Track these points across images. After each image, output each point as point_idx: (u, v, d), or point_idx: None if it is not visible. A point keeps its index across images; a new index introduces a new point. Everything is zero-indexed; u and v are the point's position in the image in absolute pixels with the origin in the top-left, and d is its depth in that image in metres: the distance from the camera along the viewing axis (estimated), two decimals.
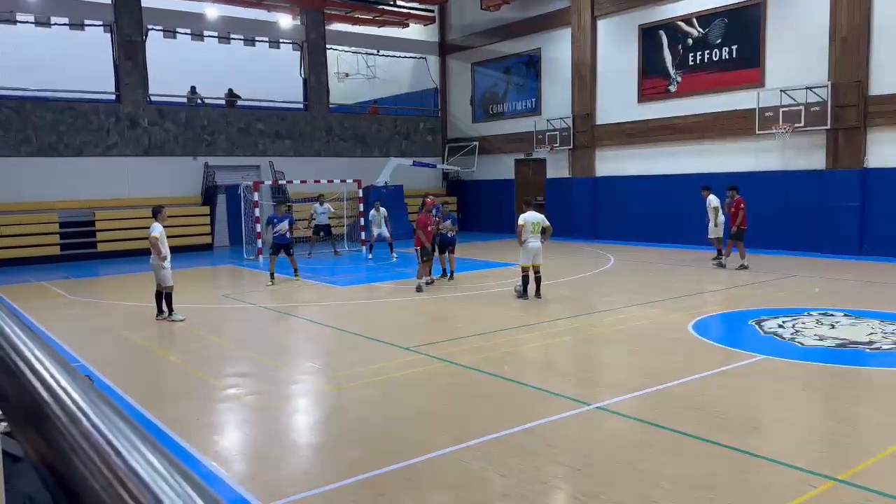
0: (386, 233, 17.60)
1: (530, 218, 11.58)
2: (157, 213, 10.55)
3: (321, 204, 19.27)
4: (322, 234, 19.29)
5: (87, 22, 22.03)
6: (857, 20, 15.65)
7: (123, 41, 20.77)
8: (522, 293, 11.62)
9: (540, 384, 6.89)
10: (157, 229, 10.35)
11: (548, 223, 11.63)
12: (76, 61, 22.28)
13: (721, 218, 14.72)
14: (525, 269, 11.59)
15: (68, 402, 0.78)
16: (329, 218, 19.29)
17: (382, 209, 17.77)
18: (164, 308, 10.68)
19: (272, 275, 14.18)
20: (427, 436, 5.59)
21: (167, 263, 10.39)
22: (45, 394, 0.83)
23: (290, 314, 11.35)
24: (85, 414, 0.74)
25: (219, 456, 5.30)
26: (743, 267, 14.23)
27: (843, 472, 4.58)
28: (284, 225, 14.10)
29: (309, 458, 5.41)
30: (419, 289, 12.54)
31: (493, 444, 5.27)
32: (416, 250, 12.87)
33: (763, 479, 4.66)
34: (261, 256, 18.22)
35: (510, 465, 4.92)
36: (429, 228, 12.84)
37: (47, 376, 0.87)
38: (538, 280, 11.61)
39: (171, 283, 10.60)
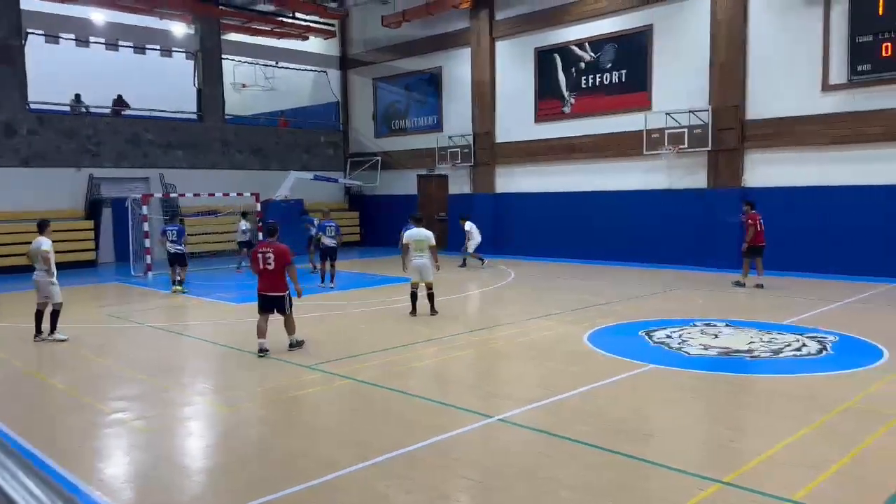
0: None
1: (413, 235, 11.46)
2: (43, 227, 10.10)
3: (244, 221, 18.65)
4: (245, 249, 18.25)
5: None
6: (734, 48, 16.82)
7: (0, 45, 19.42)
8: (411, 310, 11.53)
9: (443, 398, 6.91)
10: (48, 243, 9.87)
11: (433, 242, 11.44)
12: None
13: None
14: (413, 286, 11.51)
15: None
16: (251, 236, 18.51)
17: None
18: (44, 328, 10.01)
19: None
20: (329, 455, 5.47)
21: (55, 279, 9.89)
22: None
23: (182, 333, 10.87)
24: None
25: (104, 485, 4.98)
26: (739, 284, 13.91)
27: (729, 475, 4.84)
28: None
29: (203, 483, 5.17)
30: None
31: (398, 461, 5.23)
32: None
33: (656, 484, 4.86)
34: (150, 273, 17.39)
35: (414, 480, 4.89)
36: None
37: None
38: (430, 297, 11.50)
39: (61, 300, 10.04)
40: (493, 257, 20.95)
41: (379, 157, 26.14)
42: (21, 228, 18.94)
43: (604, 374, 7.67)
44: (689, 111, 17.24)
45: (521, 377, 7.98)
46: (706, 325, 10.32)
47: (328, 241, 15.29)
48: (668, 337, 9.53)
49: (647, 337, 9.58)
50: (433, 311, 11.48)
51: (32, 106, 20.28)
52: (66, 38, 22.50)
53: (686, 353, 8.63)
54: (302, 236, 18.26)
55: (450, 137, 23.26)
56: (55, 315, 10.03)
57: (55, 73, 21.46)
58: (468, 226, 18.51)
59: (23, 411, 6.92)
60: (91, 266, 20.08)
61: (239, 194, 20.29)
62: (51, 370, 8.79)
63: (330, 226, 15.39)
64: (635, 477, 4.97)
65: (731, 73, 16.92)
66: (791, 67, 16.05)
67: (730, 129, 16.93)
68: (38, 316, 10.03)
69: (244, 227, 18.64)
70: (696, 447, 5.66)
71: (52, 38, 22.22)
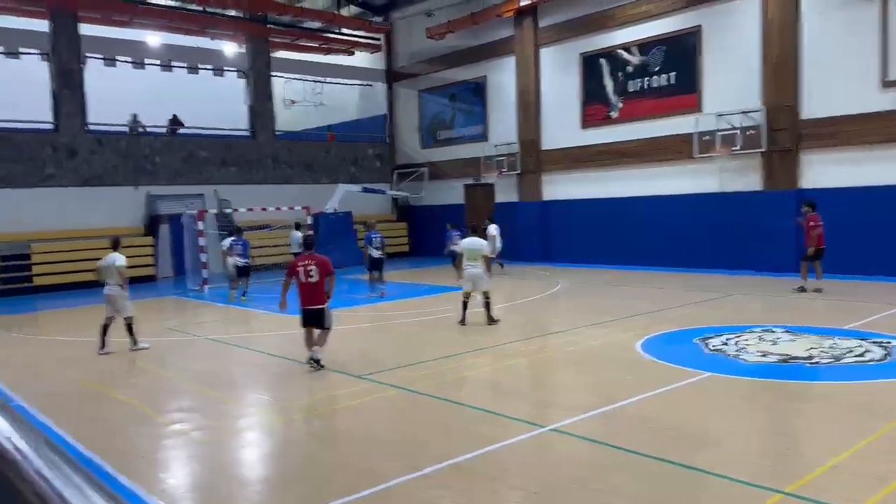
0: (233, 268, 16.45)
1: (467, 244, 11.54)
2: (117, 243, 10.74)
3: (296, 231, 19.08)
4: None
5: (22, 50, 21.45)
6: (787, 46, 16.40)
7: (61, 69, 20.28)
8: (460, 319, 11.45)
9: (494, 408, 6.88)
10: (123, 259, 10.38)
11: (486, 251, 11.43)
12: (11, 90, 21.60)
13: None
14: (465, 296, 11.49)
15: (14, 453, 0.74)
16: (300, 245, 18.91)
17: (226, 241, 16.46)
18: (107, 341, 10.42)
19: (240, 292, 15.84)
20: (381, 465, 5.51)
21: (127, 293, 10.44)
22: None
23: (238, 345, 11.10)
24: (33, 466, 0.71)
25: (166, 494, 5.11)
26: (801, 289, 13.43)
27: (791, 485, 4.69)
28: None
29: (258, 493, 5.26)
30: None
31: (449, 472, 5.23)
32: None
33: (714, 495, 4.74)
34: (206, 287, 17.83)
35: (466, 491, 4.89)
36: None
37: None
38: (486, 306, 11.45)
39: (132, 313, 10.51)
40: (540, 265, 20.85)
41: (425, 168, 26.30)
42: (83, 246, 19.72)
43: (658, 382, 7.53)
44: (741, 112, 16.85)
45: (573, 386, 7.90)
46: (764, 331, 10.04)
47: (374, 253, 15.45)
48: (725, 344, 9.30)
49: (702, 344, 9.37)
50: (491, 320, 11.37)
51: (92, 128, 21.09)
52: (123, 61, 23.37)
53: (744, 360, 8.41)
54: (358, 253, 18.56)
55: (495, 146, 23.26)
56: (130, 328, 10.45)
57: (113, 95, 22.29)
58: (493, 229, 18.27)
59: (86, 423, 7.16)
60: (150, 281, 20.70)
61: (290, 208, 20.68)
62: (112, 383, 9.07)
63: (376, 237, 15.56)
64: (693, 488, 4.85)
65: (784, 71, 16.50)
66: (847, 64, 15.55)
67: (784, 130, 16.49)
68: (104, 330, 10.37)
69: (298, 239, 18.90)
70: (755, 457, 5.50)
71: (110, 61, 23.10)
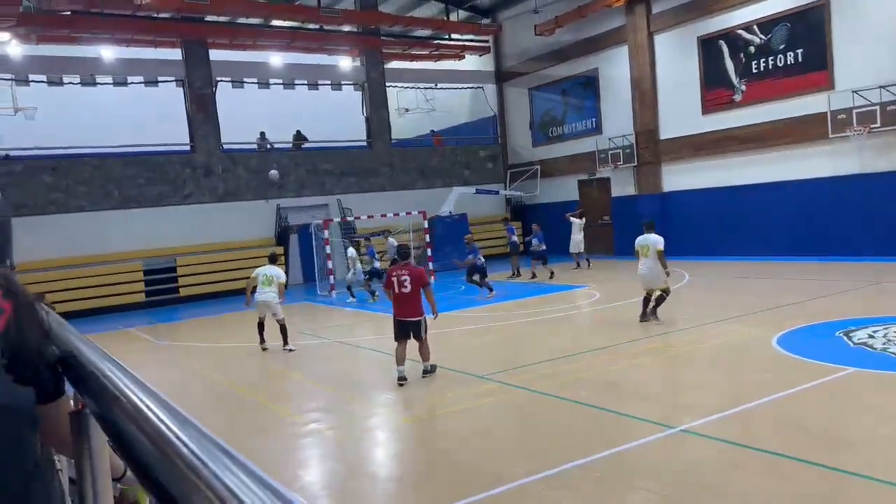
0: (361, 275, 17.19)
1: (640, 241, 11.01)
2: (276, 258, 12.37)
3: (386, 238, 19.52)
4: (375, 278, 19.04)
5: (160, 78, 23.26)
6: None
7: (195, 94, 21.83)
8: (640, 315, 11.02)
9: (620, 408, 6.76)
10: (283, 273, 11.71)
11: (660, 247, 10.65)
12: (152, 116, 23.50)
13: None
14: (647, 293, 11.01)
15: (181, 447, 0.86)
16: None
17: (351, 249, 17.61)
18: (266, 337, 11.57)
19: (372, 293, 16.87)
20: (507, 466, 5.56)
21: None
22: (159, 439, 0.92)
23: (365, 347, 11.52)
24: (198, 457, 0.82)
25: (305, 491, 5.41)
26: None
27: None
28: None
29: (390, 492, 5.46)
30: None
31: (575, 473, 5.20)
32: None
33: (858, 498, 4.44)
34: (333, 292, 18.58)
35: (592, 493, 4.85)
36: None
37: (160, 424, 0.95)
38: (657, 299, 10.85)
39: (284, 316, 11.60)
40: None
41: (538, 166, 26.14)
42: (222, 258, 21.19)
43: (798, 379, 7.11)
44: (880, 87, 15.56)
45: (704, 385, 7.62)
46: None
47: (479, 260, 16.05)
48: (871, 337, 8.65)
49: (845, 337, 8.76)
50: (653, 314, 10.92)
51: (225, 147, 22.57)
52: (250, 82, 24.82)
53: (892, 354, 7.79)
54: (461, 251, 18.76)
55: (610, 139, 22.75)
56: (283, 329, 11.39)
57: (241, 116, 23.75)
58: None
59: (227, 422, 7.69)
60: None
61: (407, 213, 21.18)
62: (250, 384, 9.68)
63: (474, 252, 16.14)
64: (836, 490, 4.57)
65: None
66: None
67: None
68: (284, 331, 11.40)
69: (393, 245, 19.04)
70: None
71: (238, 83, 24.59)
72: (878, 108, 15.64)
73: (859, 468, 4.79)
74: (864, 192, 16.51)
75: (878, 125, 15.62)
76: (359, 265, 17.18)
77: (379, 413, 7.63)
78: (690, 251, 20.27)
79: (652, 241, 10.83)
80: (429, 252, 20.80)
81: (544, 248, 18.16)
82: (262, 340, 11.52)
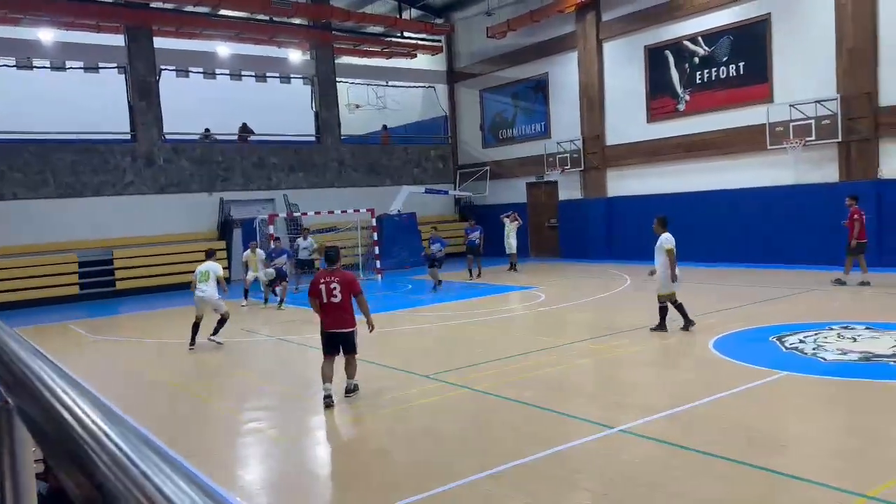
0: (262, 275, 16.26)
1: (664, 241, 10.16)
2: (213, 254, 11.88)
3: (304, 238, 19.14)
4: (305, 268, 18.42)
5: (101, 65, 22.51)
6: (864, 32, 15.67)
7: (137, 82, 21.19)
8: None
9: (562, 408, 6.85)
10: (220, 268, 11.48)
11: (668, 245, 10.01)
12: (92, 103, 22.73)
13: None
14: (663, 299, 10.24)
15: (110, 444, 0.81)
16: (311, 253, 18.50)
17: (259, 251, 16.56)
18: (218, 333, 11.32)
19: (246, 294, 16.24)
20: (450, 464, 5.56)
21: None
22: (86, 436, 0.87)
23: (308, 345, 11.37)
24: (127, 455, 0.78)
25: (244, 491, 5.31)
26: (839, 282, 13.43)
27: (874, 489, 4.51)
28: (283, 259, 16.25)
29: (331, 491, 5.40)
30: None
31: (517, 472, 5.24)
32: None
33: (793, 498, 4.60)
34: (278, 288, 18.28)
35: (534, 491, 4.89)
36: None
37: (87, 420, 0.90)
38: (670, 308, 10.18)
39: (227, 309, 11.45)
40: (606, 263, 20.55)
41: (487, 167, 26.30)
42: (162, 251, 20.64)
43: (733, 382, 7.33)
44: (816, 101, 16.19)
45: (643, 386, 7.78)
46: (843, 328, 9.65)
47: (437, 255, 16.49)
48: (802, 342, 8.98)
49: (778, 342, 9.07)
50: (660, 327, 10.26)
51: (167, 137, 21.97)
52: (195, 72, 24.24)
53: (822, 358, 8.10)
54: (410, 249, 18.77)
55: (558, 143, 23.06)
56: (223, 322, 11.26)
57: (186, 105, 23.17)
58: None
59: (162, 420, 7.49)
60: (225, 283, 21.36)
61: (356, 210, 21.02)
62: (188, 381, 9.45)
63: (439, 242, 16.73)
64: (770, 490, 4.72)
65: (860, 58, 15.76)
66: None
67: (862, 118, 15.77)
68: (195, 328, 11.14)
69: (304, 245, 18.62)
70: (835, 459, 5.30)
71: (183, 72, 24.00)
72: (813, 121, 16.26)
73: (793, 469, 4.96)
74: (799, 202, 17.14)
75: (814, 138, 16.25)
76: (267, 271, 16.05)
77: (320, 412, 7.53)
78: (633, 256, 20.70)
79: (661, 240, 10.19)
80: (376, 250, 20.71)
81: (442, 254, 17.24)
82: (193, 342, 11.07)
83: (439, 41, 27.49)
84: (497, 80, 25.93)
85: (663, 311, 10.10)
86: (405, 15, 26.43)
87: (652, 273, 10.20)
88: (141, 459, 0.76)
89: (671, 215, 20.24)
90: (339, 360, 7.65)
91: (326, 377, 7.47)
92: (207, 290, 11.08)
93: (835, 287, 13.39)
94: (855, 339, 8.94)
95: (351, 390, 7.72)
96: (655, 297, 10.37)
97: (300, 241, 19.08)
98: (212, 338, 11.16)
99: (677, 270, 10.02)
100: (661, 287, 10.19)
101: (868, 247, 13.62)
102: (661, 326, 10.09)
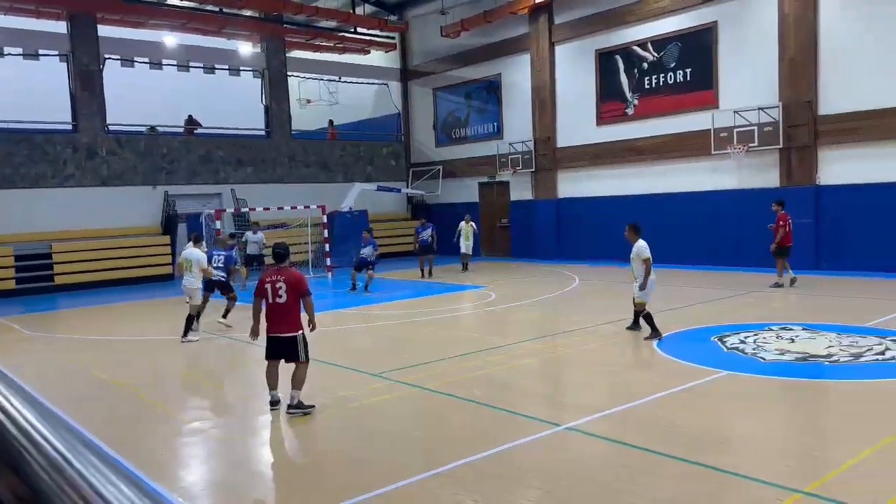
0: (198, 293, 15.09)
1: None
2: (199, 239, 11.63)
3: (254, 233, 18.79)
4: (255, 264, 18.06)
5: (42, 52, 21.71)
6: (804, 42, 16.24)
7: (80, 71, 20.50)
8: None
9: (510, 407, 6.89)
10: (203, 257, 11.13)
11: (644, 255, 9.84)
12: (31, 92, 21.90)
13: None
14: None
15: (47, 446, 0.77)
16: (261, 248, 18.11)
17: (198, 252, 14.93)
18: (195, 327, 11.07)
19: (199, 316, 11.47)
20: (398, 463, 5.54)
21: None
22: (19, 436, 0.82)
23: (256, 344, 11.16)
24: (63, 457, 0.74)
25: (186, 492, 5.18)
26: (777, 285, 13.93)
27: (811, 485, 4.67)
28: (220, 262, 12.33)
29: (278, 491, 5.32)
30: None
31: (465, 470, 5.25)
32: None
33: (734, 495, 4.73)
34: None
35: (482, 490, 4.91)
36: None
37: (22, 420, 0.86)
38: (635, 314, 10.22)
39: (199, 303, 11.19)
40: (554, 263, 20.81)
41: (440, 167, 26.33)
42: (103, 245, 20.01)
43: (675, 381, 7.50)
44: (759, 108, 16.71)
45: (588, 385, 7.89)
46: (782, 329, 9.98)
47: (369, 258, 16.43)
48: (742, 342, 9.25)
49: (719, 342, 9.33)
50: (634, 325, 10.22)
51: (111, 128, 21.31)
52: (141, 62, 23.58)
53: (761, 358, 8.36)
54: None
55: (510, 144, 23.24)
56: (193, 318, 10.99)
57: (131, 96, 22.52)
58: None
59: (102, 419, 7.26)
60: (168, 280, 20.85)
61: (306, 207, 20.77)
62: (131, 379, 9.18)
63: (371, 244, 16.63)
64: (713, 488, 4.84)
65: (801, 67, 16.34)
66: (867, 58, 15.37)
67: (802, 126, 16.34)
68: (190, 319, 10.96)
69: (254, 239, 18.34)
70: (774, 456, 5.46)
71: (128, 62, 23.32)
72: (756, 128, 16.78)
73: (733, 466, 5.09)
74: (742, 206, 17.66)
75: (756, 144, 16.77)
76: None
77: (267, 411, 7.41)
78: (581, 256, 21.04)
79: (634, 248, 10.03)
80: (326, 247, 20.51)
81: (374, 257, 16.72)
82: (185, 333, 11.02)
83: (393, 38, 27.37)
84: (450, 80, 25.98)
85: (647, 318, 9.83)
86: (359, 10, 26.23)
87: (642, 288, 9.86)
88: (77, 460, 0.72)
89: (619, 217, 20.70)
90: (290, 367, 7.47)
91: (271, 384, 7.06)
92: (190, 279, 10.93)
93: (773, 290, 13.82)
94: (793, 340, 9.24)
95: (294, 406, 6.82)
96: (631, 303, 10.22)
97: (249, 234, 18.78)
98: (183, 339, 10.97)
99: (651, 278, 9.78)
100: (639, 294, 9.96)
101: (791, 251, 14.15)
102: (655, 333, 9.70)
